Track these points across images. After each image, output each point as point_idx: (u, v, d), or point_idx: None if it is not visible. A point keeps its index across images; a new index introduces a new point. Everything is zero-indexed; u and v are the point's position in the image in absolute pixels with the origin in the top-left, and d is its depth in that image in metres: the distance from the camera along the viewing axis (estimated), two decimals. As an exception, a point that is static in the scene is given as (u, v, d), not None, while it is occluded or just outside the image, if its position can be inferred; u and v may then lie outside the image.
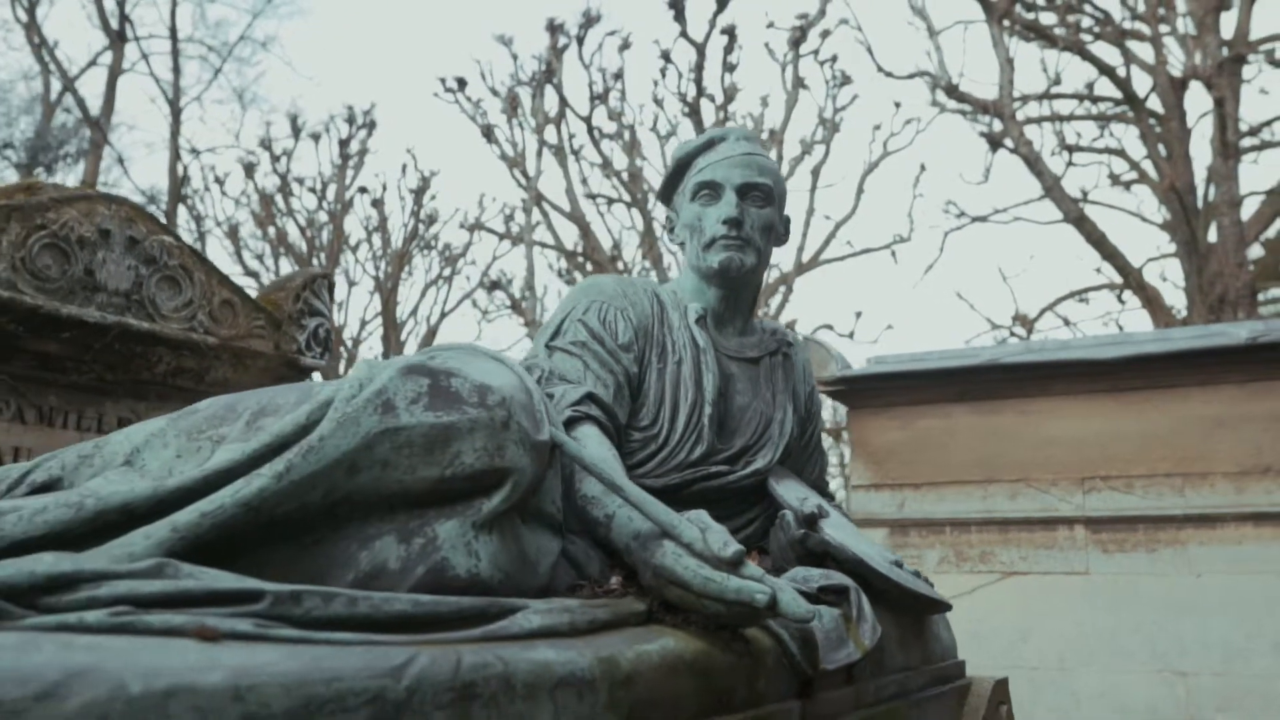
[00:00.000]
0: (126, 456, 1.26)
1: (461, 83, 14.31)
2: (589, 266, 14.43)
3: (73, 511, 1.08)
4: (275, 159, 14.87)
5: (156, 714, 0.68)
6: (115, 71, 12.29)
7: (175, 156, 12.79)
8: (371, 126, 15.12)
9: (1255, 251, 10.75)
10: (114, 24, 12.35)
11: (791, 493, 2.08)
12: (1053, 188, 10.92)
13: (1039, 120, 12.56)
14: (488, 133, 14.15)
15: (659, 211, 14.82)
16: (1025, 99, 11.81)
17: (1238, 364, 4.21)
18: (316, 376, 3.35)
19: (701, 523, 1.41)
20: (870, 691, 1.80)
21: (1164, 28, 11.07)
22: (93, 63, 12.78)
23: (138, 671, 0.69)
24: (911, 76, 11.96)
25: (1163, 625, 4.23)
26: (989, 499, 4.58)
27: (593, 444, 1.69)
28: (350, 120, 14.84)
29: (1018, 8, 11.41)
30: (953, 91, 11.48)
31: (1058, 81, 11.67)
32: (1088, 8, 11.73)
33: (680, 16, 13.39)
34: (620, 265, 14.84)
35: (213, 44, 14.31)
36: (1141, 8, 11.41)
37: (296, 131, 14.75)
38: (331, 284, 3.39)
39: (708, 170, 2.18)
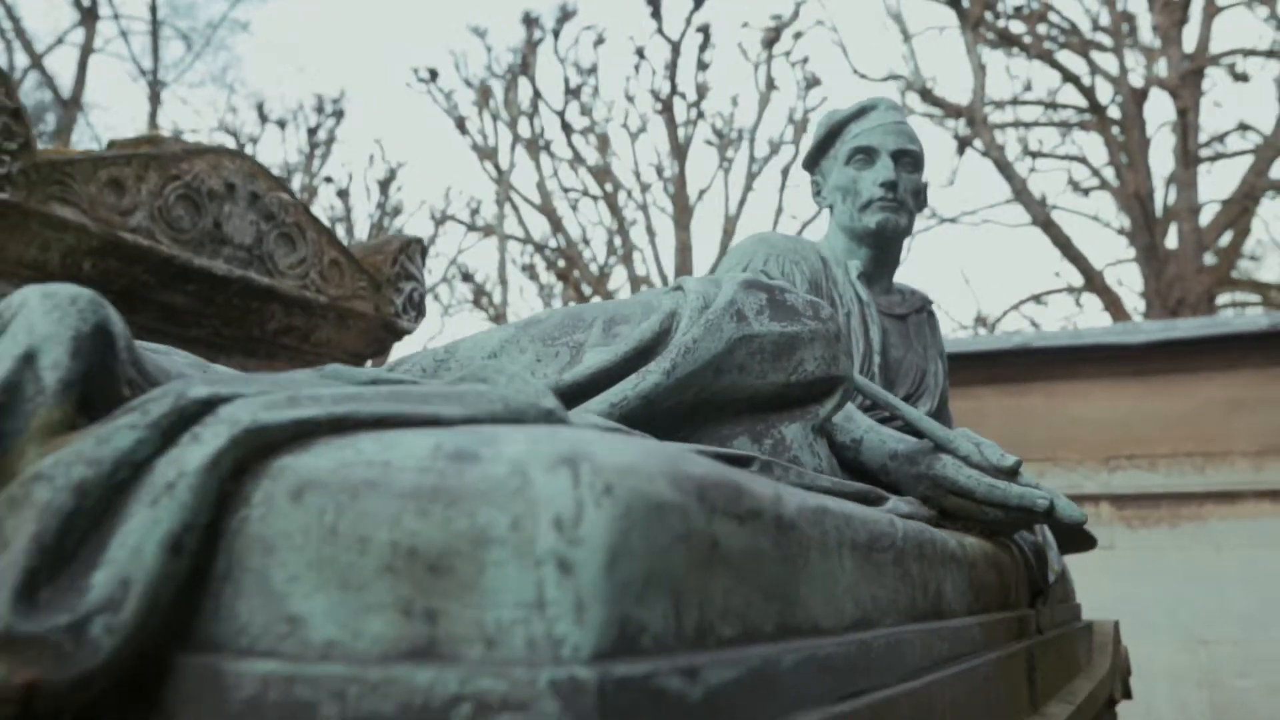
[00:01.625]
0: (483, 361, 1.32)
1: (433, 73, 14.28)
2: (560, 262, 14.49)
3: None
4: (240, 146, 14.66)
5: (819, 524, 0.77)
6: (87, 50, 12.04)
7: (153, 137, 12.53)
8: (340, 115, 14.99)
9: (1211, 258, 11.21)
10: (85, 1, 12.08)
11: (952, 439, 2.21)
12: (1022, 191, 11.28)
13: (1002, 126, 12.94)
14: (460, 124, 14.14)
15: (629, 210, 14.94)
16: (996, 105, 12.17)
17: (1257, 349, 4.45)
18: (408, 340, 3.39)
19: (974, 438, 1.53)
20: (1058, 613, 1.93)
21: (1127, 40, 11.51)
22: (60, 40, 12.49)
23: (794, 497, 0.78)
24: (885, 79, 12.24)
25: (1185, 597, 4.45)
26: (1017, 477, 4.76)
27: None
28: (319, 109, 14.70)
29: (988, 16, 11.75)
30: (926, 95, 11.78)
31: (1028, 88, 12.03)
32: (1054, 18, 12.13)
33: (657, 13, 13.53)
34: (589, 259, 14.91)
35: (181, 26, 14.02)
36: (1105, 20, 11.84)
37: (263, 118, 14.56)
38: (424, 249, 3.43)
39: (863, 136, 2.28)
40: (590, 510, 0.49)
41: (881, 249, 2.30)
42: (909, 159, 2.27)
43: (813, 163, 2.43)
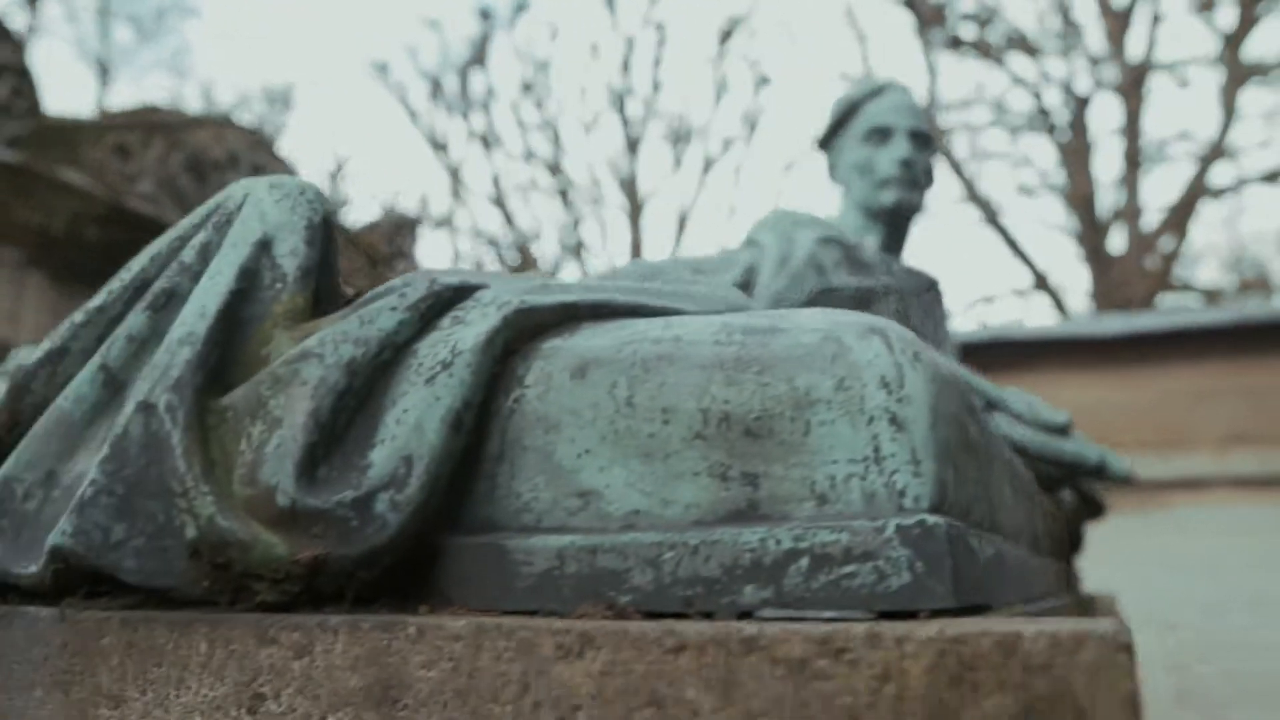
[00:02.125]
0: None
1: (386, 65, 14.13)
2: (513, 254, 14.42)
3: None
4: (186, 134, 14.37)
5: (995, 437, 0.80)
6: (31, 31, 11.70)
7: (101, 122, 12.21)
8: (288, 106, 14.77)
9: (1154, 261, 11.52)
10: (27, -19, 11.75)
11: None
12: (972, 193, 11.51)
13: (952, 129, 13.17)
14: (412, 116, 14.01)
15: (581, 205, 14.91)
16: (947, 107, 12.39)
17: (1221, 343, 4.60)
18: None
19: (1025, 397, 1.57)
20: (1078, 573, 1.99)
21: (1073, 48, 11.80)
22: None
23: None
24: (841, 79, 12.39)
25: (1152, 582, 4.58)
26: (988, 465, 4.86)
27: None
28: (268, 98, 14.47)
29: (940, 19, 11.96)
30: (880, 97, 11.91)
31: (978, 91, 12.27)
32: (1003, 25, 12.38)
33: (611, 7, 13.54)
34: (538, 254, 14.86)
35: (130, 11, 13.65)
36: (1053, 26, 12.12)
37: (212, 106, 14.28)
38: (416, 230, 3.41)
39: (879, 115, 2.31)
40: (909, 372, 0.50)
41: (896, 226, 2.32)
42: (922, 138, 2.31)
43: (826, 142, 2.46)
